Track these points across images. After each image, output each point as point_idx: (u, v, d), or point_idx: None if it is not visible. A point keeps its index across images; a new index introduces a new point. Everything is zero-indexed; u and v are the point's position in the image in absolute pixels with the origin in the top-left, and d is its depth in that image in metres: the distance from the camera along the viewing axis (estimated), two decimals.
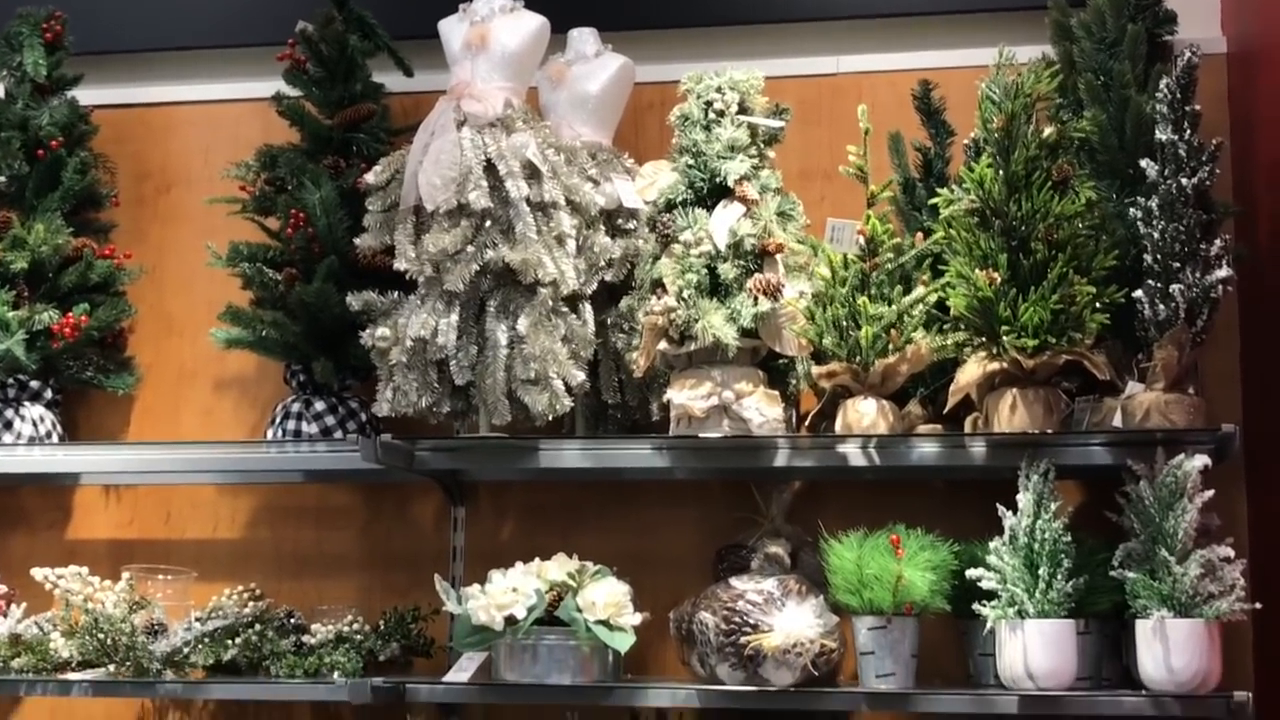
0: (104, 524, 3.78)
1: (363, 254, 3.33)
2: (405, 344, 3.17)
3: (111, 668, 3.23)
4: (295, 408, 3.45)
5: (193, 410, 3.78)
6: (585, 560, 3.19)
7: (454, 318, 3.16)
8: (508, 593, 3.10)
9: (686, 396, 3.08)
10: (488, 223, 3.15)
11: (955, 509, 3.17)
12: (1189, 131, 2.91)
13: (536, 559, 3.19)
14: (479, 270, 3.14)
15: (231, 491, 3.73)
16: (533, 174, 3.17)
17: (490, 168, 3.15)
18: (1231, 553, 2.78)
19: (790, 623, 2.96)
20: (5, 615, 3.40)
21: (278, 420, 3.46)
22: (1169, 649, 2.75)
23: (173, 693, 3.34)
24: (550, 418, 3.17)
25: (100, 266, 3.64)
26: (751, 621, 2.97)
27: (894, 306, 3.02)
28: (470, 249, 3.14)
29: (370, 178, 3.29)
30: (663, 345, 3.11)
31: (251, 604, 3.39)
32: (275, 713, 3.62)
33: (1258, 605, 2.80)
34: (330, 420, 3.43)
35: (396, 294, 3.25)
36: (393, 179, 3.27)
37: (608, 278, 3.30)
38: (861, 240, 3.06)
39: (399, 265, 3.20)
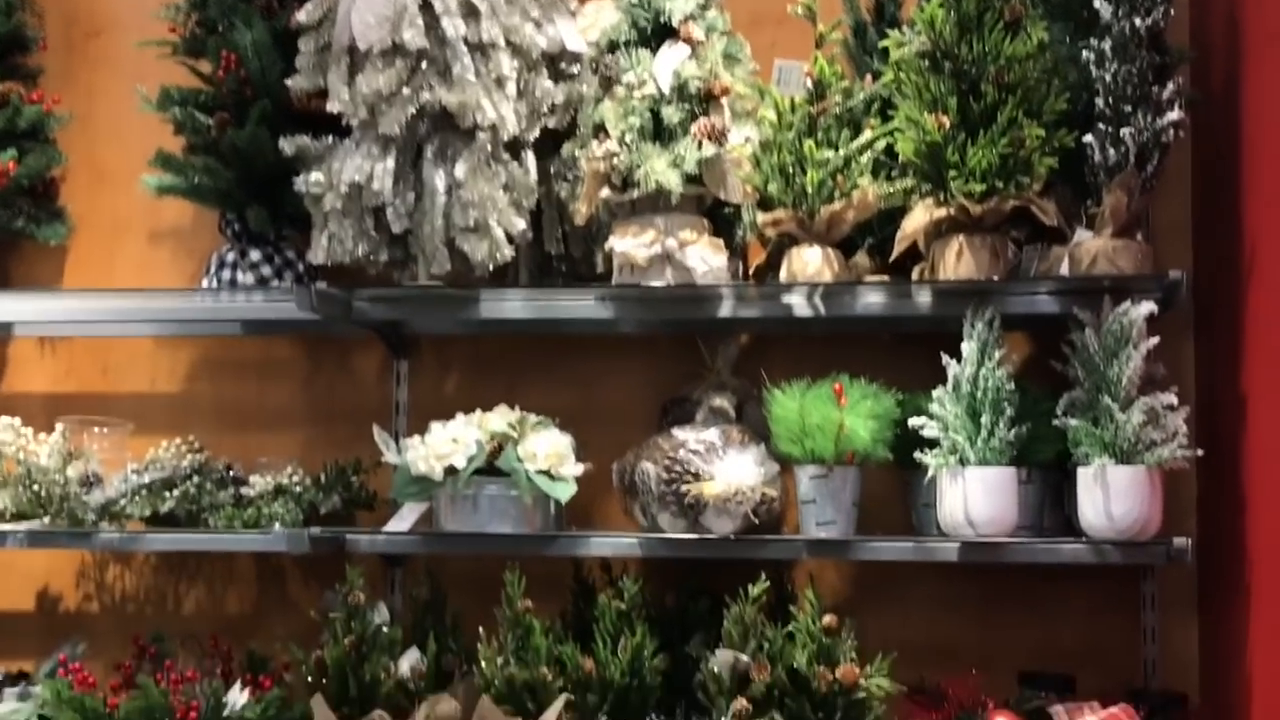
0: (40, 377, 3.71)
1: (296, 97, 3.22)
2: (340, 190, 3.08)
3: (46, 519, 3.19)
4: (230, 257, 3.37)
5: (128, 261, 3.68)
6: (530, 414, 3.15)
7: (390, 163, 3.06)
8: (447, 443, 3.06)
9: (629, 244, 3.02)
10: (424, 63, 3.03)
11: (902, 361, 3.14)
12: None
13: (478, 410, 3.16)
14: (415, 113, 3.04)
15: (170, 344, 3.66)
16: (470, 12, 3.05)
17: (426, 5, 3.02)
18: (1175, 400, 2.75)
19: (731, 471, 2.93)
20: None
21: (212, 270, 3.38)
22: (1109, 496, 2.74)
23: (109, 544, 3.30)
24: (491, 267, 3.11)
25: (28, 112, 3.51)
26: (693, 470, 2.95)
27: (841, 152, 2.95)
28: (406, 91, 3.03)
29: (302, 16, 3.16)
30: (605, 192, 3.04)
31: (190, 456, 3.33)
32: (217, 565, 3.60)
33: (1199, 452, 2.79)
34: (266, 270, 3.34)
35: (331, 138, 3.16)
36: (325, 18, 3.15)
37: (550, 124, 3.20)
38: (809, 83, 2.98)
39: (332, 107, 3.09)
